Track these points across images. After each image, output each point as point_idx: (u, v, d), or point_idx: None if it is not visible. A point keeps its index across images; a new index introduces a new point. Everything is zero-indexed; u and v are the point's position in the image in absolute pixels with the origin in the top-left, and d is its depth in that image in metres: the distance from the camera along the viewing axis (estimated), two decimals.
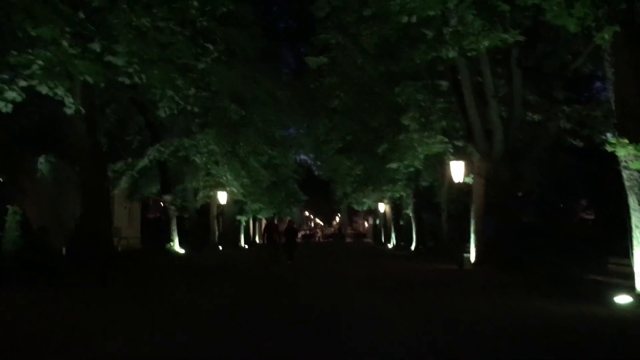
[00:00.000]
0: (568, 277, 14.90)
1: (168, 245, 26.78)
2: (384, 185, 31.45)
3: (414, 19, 10.09)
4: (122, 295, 11.33)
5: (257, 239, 50.37)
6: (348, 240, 68.75)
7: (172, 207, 27.60)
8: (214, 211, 35.50)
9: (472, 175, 21.60)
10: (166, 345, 7.01)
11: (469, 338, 7.53)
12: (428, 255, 28.56)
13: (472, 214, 21.61)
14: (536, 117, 18.15)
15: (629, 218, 10.45)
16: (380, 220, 52.36)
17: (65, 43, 11.23)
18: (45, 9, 9.82)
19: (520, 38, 9.76)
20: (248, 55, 26.31)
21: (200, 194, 32.79)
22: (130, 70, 11.98)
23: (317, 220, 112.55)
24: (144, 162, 24.42)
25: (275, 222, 33.32)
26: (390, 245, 43.82)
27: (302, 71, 36.89)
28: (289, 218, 45.01)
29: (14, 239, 12.91)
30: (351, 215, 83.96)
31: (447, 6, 9.88)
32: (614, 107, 10.60)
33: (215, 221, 36.27)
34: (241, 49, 24.78)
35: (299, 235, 53.02)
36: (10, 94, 11.58)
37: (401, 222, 41.12)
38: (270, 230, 23.12)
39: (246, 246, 42.00)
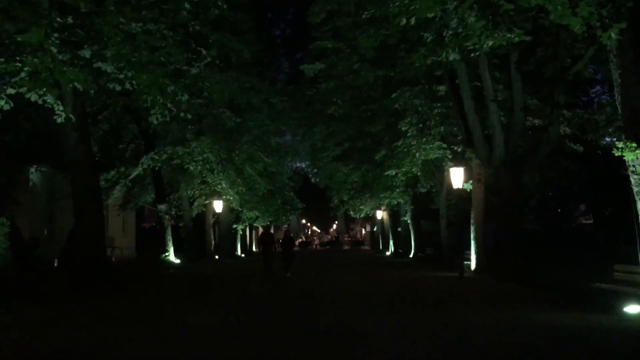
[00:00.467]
0: (573, 285, 14.55)
1: (163, 256, 26.33)
2: (382, 192, 31.09)
3: (412, 21, 9.77)
4: (114, 315, 10.88)
5: (253, 248, 49.89)
6: (345, 247, 68.38)
7: (167, 217, 27.17)
8: (210, 220, 35.05)
9: (471, 182, 21.31)
10: None
11: (480, 357, 7.14)
12: (427, 262, 28.21)
13: (472, 221, 21.29)
14: (537, 121, 17.85)
15: (637, 224, 10.11)
16: (377, 228, 52.00)
17: (54, 49, 10.91)
18: (31, 13, 9.45)
19: (526, 38, 9.45)
20: (243, 62, 26.03)
21: (196, 203, 32.38)
22: (121, 76, 11.65)
23: (314, 228, 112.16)
24: (137, 170, 24.03)
25: (272, 230, 32.92)
26: (388, 253, 43.46)
27: (298, 78, 36.69)
28: (285, 226, 44.66)
29: (2, 252, 12.47)
30: (348, 222, 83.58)
31: (446, 7, 9.57)
32: (620, 111, 10.28)
33: (211, 230, 35.83)
34: (236, 55, 24.48)
35: (296, 243, 52.49)
36: None
37: (399, 229, 40.77)
38: (265, 240, 22.34)
39: (243, 255, 41.54)
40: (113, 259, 24.64)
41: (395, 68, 20.44)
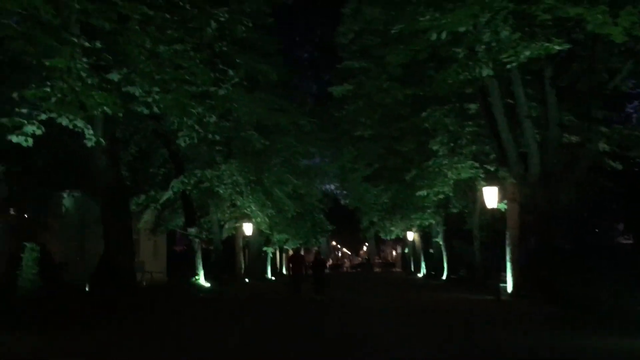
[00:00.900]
0: (618, 308, 13.85)
1: (193, 279, 26.19)
2: (413, 213, 30.61)
3: (443, 35, 9.50)
4: (145, 341, 10.68)
5: (283, 271, 49.59)
6: (376, 270, 67.57)
7: (197, 240, 27.09)
8: (240, 243, 34.94)
9: (505, 201, 20.74)
10: None
11: None
12: (461, 285, 27.48)
13: (508, 242, 20.63)
14: (573, 138, 17.30)
15: None
16: (409, 249, 51.24)
17: (83, 74, 10.94)
18: (53, 38, 9.48)
19: (566, 45, 9.05)
20: (270, 84, 26.04)
21: (226, 226, 32.31)
22: (148, 99, 11.62)
23: (344, 250, 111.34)
24: (167, 194, 24.05)
25: (302, 252, 32.60)
26: (420, 275, 42.69)
27: (326, 99, 36.68)
28: (315, 249, 44.30)
29: (31, 277, 12.45)
30: (379, 244, 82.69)
31: (479, 21, 9.27)
32: None
33: (241, 253, 35.69)
34: (263, 77, 24.50)
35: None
36: (30, 128, 11.29)
37: (431, 251, 40.07)
38: (296, 262, 21.60)
39: (273, 278, 41.26)
40: (144, 283, 24.60)
41: (425, 86, 20.24)
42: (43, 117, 11.66)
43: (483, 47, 9.93)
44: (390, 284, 33.49)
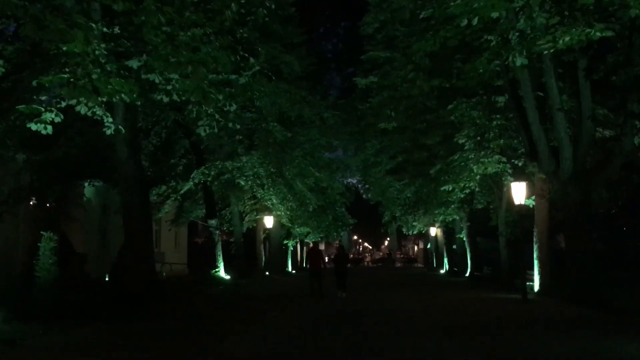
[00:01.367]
0: None
1: (213, 272, 26.04)
2: (436, 208, 29.99)
3: (475, 21, 9.00)
4: (160, 336, 10.44)
5: (304, 264, 49.36)
6: (398, 265, 67.00)
7: (217, 232, 26.93)
8: (261, 235, 34.76)
9: (533, 197, 20.12)
10: None
11: None
12: (485, 283, 26.85)
13: (535, 239, 20.04)
14: (607, 132, 16.62)
15: None
16: (431, 245, 50.60)
17: (101, 59, 10.68)
18: (65, 21, 9.19)
19: (609, 33, 8.48)
20: (294, 75, 25.69)
21: (247, 218, 32.14)
22: (168, 87, 11.32)
23: (365, 244, 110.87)
24: (188, 185, 23.90)
25: (322, 246, 32.25)
26: (442, 271, 42.11)
27: (349, 92, 36.25)
28: (336, 243, 43.93)
29: (48, 267, 12.28)
30: (400, 238, 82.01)
31: (513, 5, 8.74)
32: None
33: (262, 246, 35.51)
34: (287, 68, 24.15)
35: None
36: (49, 115, 11.08)
37: (454, 247, 39.42)
38: (314, 257, 20.33)
39: (294, 271, 41.04)
40: (164, 274, 24.48)
41: (451, 78, 19.67)
42: (62, 104, 11.47)
43: (517, 34, 9.42)
44: (413, 280, 32.97)
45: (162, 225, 30.73)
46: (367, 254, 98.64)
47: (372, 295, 20.72)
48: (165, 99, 11.58)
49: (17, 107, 10.43)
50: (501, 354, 8.92)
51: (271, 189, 25.79)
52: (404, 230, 42.63)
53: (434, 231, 44.11)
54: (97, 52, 10.57)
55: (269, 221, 30.69)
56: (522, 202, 18.71)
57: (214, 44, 8.93)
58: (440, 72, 17.37)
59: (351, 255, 76.32)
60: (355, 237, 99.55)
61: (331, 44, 42.88)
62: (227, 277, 26.55)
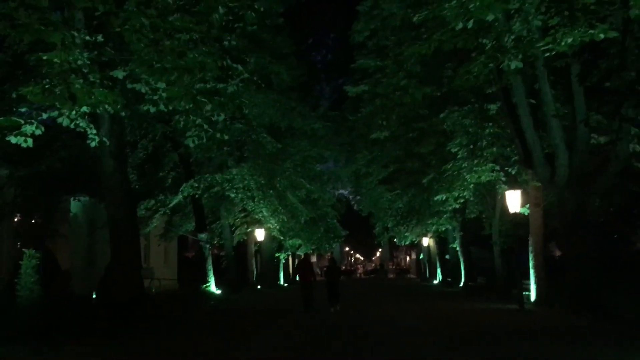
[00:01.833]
0: None
1: (204, 287, 25.54)
2: (429, 218, 29.69)
3: (470, 24, 8.74)
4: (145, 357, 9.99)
5: (297, 277, 48.84)
6: (391, 276, 66.53)
7: (207, 246, 26.47)
8: (252, 249, 34.31)
9: (527, 206, 19.86)
10: None
11: None
12: (479, 293, 26.49)
13: (531, 248, 19.76)
14: (602, 139, 16.40)
15: None
16: (424, 255, 50.27)
17: (84, 70, 10.33)
18: (38, 20, 8.82)
19: (614, 34, 8.21)
20: (284, 86, 25.41)
21: (237, 231, 31.70)
22: (155, 97, 10.97)
23: (357, 255, 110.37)
24: (177, 198, 23.48)
25: (313, 259, 31.81)
26: (435, 282, 41.74)
27: (340, 104, 36.06)
28: (328, 255, 43.52)
29: (30, 286, 11.82)
30: (392, 249, 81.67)
31: (509, 7, 8.48)
32: None
33: (253, 259, 35.04)
34: (276, 78, 23.86)
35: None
36: (29, 128, 10.69)
37: (447, 257, 39.11)
38: (303, 269, 19.44)
39: (286, 284, 40.53)
40: (153, 290, 23.95)
41: (443, 87, 19.47)
42: (43, 116, 11.11)
43: (512, 37, 9.17)
44: (407, 291, 32.58)
45: (151, 240, 30.21)
46: (359, 266, 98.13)
47: (366, 308, 20.25)
48: (152, 110, 11.21)
49: None
50: None
51: (262, 201, 25.40)
52: (396, 241, 42.31)
53: (426, 241, 43.78)
54: (79, 62, 10.22)
55: (260, 234, 30.27)
56: (518, 211, 18.47)
57: (200, 50, 8.58)
58: (432, 80, 17.12)
59: (343, 267, 75.85)
60: (347, 249, 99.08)
61: (320, 55, 42.77)
62: (218, 291, 26.06)
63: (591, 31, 7.84)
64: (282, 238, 32.19)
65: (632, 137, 15.45)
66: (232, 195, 24.13)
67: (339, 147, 35.99)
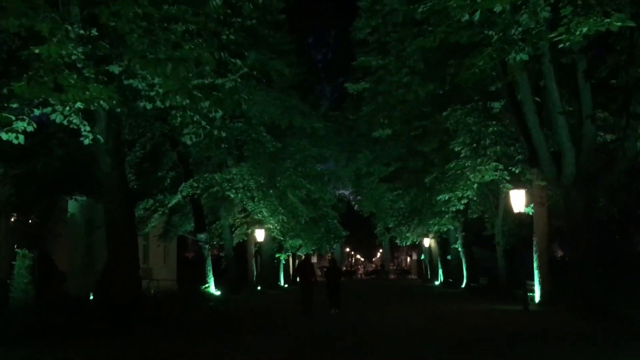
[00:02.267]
0: None
1: (203, 287, 25.23)
2: (430, 218, 29.38)
3: (476, 16, 8.43)
4: None
5: (297, 278, 48.49)
6: (392, 277, 66.26)
7: (207, 246, 26.15)
8: (252, 249, 33.98)
9: (532, 205, 19.55)
10: None
11: None
12: (482, 293, 26.20)
13: (535, 248, 19.46)
14: (608, 137, 16.09)
15: None
16: (425, 256, 49.95)
17: (79, 65, 10.04)
18: (47, 24, 8.53)
19: (631, 23, 7.88)
20: (284, 84, 25.10)
21: (237, 232, 31.39)
22: (152, 93, 10.68)
23: (358, 256, 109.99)
24: (176, 198, 23.16)
25: (314, 259, 31.45)
26: (437, 282, 41.44)
27: (340, 103, 35.81)
28: (329, 255, 43.19)
29: (23, 287, 11.52)
30: (393, 250, 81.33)
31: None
32: None
33: (253, 260, 34.72)
34: (276, 75, 23.53)
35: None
36: (20, 124, 10.38)
37: (449, 257, 38.79)
38: (304, 270, 18.78)
39: (286, 285, 40.20)
40: (151, 291, 23.64)
41: (445, 85, 19.14)
42: (36, 112, 10.81)
43: (520, 29, 8.86)
44: (408, 292, 32.23)
45: (150, 240, 29.91)
46: (359, 266, 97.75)
47: (366, 309, 19.90)
48: (149, 106, 10.93)
49: None
50: None
51: (261, 201, 25.08)
52: (398, 241, 42.04)
53: (427, 242, 43.46)
54: (73, 57, 9.93)
55: (260, 234, 29.94)
56: (522, 210, 18.16)
57: (196, 42, 8.26)
58: (435, 77, 16.79)
59: (344, 268, 75.42)
60: (348, 249, 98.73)
61: (321, 54, 42.45)
62: (218, 292, 25.74)
63: (607, 20, 7.51)
64: (282, 238, 31.89)
65: (638, 135, 15.13)
66: (232, 195, 23.81)
67: (340, 146, 35.71)
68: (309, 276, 18.21)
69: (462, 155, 20.15)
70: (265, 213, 25.78)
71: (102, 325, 12.88)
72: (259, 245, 33.70)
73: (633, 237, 44.25)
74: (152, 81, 9.51)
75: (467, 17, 8.57)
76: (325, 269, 20.89)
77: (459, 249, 33.12)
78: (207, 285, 25.54)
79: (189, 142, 11.52)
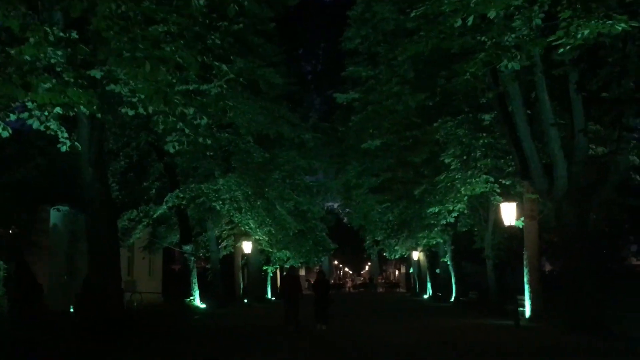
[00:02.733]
0: None
1: (188, 300, 24.71)
2: (420, 231, 29.09)
3: (470, 21, 8.19)
4: None
5: (282, 292, 47.85)
6: (380, 290, 65.87)
7: (192, 258, 25.67)
8: (239, 261, 33.49)
9: (522, 219, 19.32)
10: None
11: None
12: (471, 308, 25.90)
13: (525, 262, 19.21)
14: (600, 149, 15.93)
15: None
16: (414, 269, 49.63)
17: (58, 68, 9.67)
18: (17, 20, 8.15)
19: (635, 23, 7.64)
20: (274, 91, 24.79)
21: (224, 243, 30.94)
22: (134, 99, 10.31)
23: (346, 269, 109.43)
24: (161, 209, 22.69)
25: (299, 272, 30.79)
26: (425, 296, 41.09)
27: (330, 115, 35.64)
28: (317, 268, 42.75)
29: None
30: (381, 263, 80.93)
31: (513, 3, 7.91)
32: None
33: (240, 272, 34.21)
34: (265, 84, 23.23)
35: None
36: None
37: (437, 271, 38.51)
38: (288, 284, 17.95)
39: (273, 298, 39.66)
40: (135, 305, 23.06)
41: (435, 96, 18.97)
42: (12, 117, 10.39)
43: (513, 36, 8.64)
44: (397, 307, 31.82)
45: (135, 252, 29.34)
46: (348, 279, 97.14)
47: (354, 324, 19.42)
48: (131, 112, 10.54)
49: None
50: None
51: (249, 213, 24.66)
52: (386, 254, 41.70)
53: (416, 255, 43.15)
54: (52, 60, 9.56)
55: (247, 246, 29.50)
56: (513, 223, 17.91)
57: (178, 42, 7.91)
58: (426, 88, 16.58)
59: (332, 281, 74.80)
60: (336, 262, 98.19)
61: (310, 65, 42.26)
62: (203, 305, 25.24)
63: (609, 22, 7.26)
64: (270, 250, 31.44)
65: (631, 148, 14.97)
66: (218, 206, 23.41)
67: (329, 158, 35.51)
68: (294, 290, 17.41)
69: (452, 167, 19.92)
70: (252, 225, 25.35)
71: (80, 342, 12.38)
72: (246, 257, 33.24)
73: (621, 251, 44.25)
74: (134, 86, 9.13)
75: (459, 22, 8.33)
76: (313, 282, 20.13)
77: (448, 263, 32.86)
78: (192, 298, 25.04)
79: (171, 150, 11.14)
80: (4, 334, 10.96)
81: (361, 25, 19.84)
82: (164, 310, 22.67)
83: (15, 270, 12.70)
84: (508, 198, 18.57)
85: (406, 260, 52.52)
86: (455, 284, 32.05)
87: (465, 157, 19.74)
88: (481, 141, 19.55)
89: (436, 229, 28.03)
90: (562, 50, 7.89)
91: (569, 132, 15.05)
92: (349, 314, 24.15)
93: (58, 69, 9.71)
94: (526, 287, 18.92)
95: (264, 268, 36.72)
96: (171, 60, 7.88)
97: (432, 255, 38.64)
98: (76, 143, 10.36)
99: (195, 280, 25.42)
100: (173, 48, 7.79)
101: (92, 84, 10.28)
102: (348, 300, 40.38)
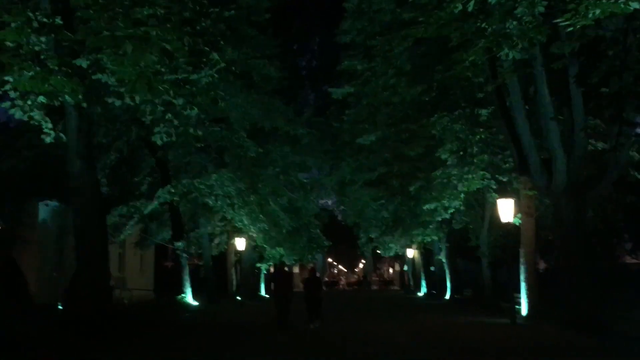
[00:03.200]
0: None
1: (179, 297, 24.35)
2: (414, 228, 28.80)
3: (470, 6, 7.87)
4: None
5: (272, 289, 47.53)
6: (374, 288, 65.69)
7: (184, 255, 25.30)
8: (232, 258, 33.13)
9: (519, 215, 19.05)
10: None
11: None
12: (467, 306, 25.64)
13: (522, 260, 18.92)
14: (599, 145, 15.65)
15: None
16: (408, 267, 49.41)
17: (42, 56, 9.32)
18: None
19: None
20: (269, 84, 24.42)
21: (217, 240, 30.58)
22: (121, 89, 9.95)
23: (340, 267, 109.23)
24: (152, 205, 22.29)
25: (294, 269, 30.47)
26: (420, 294, 40.86)
27: (324, 111, 35.28)
28: (311, 265, 42.40)
29: None
30: (375, 261, 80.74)
31: None
32: None
33: (233, 269, 33.87)
34: (258, 76, 22.83)
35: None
36: None
37: (432, 269, 38.29)
38: (278, 281, 17.12)
39: (267, 296, 39.35)
40: (125, 301, 22.71)
41: (432, 91, 18.67)
42: None
43: (514, 23, 8.33)
44: (392, 304, 31.47)
45: (126, 248, 28.98)
46: (342, 277, 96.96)
47: (348, 322, 19.01)
48: (117, 102, 10.20)
49: None
50: None
51: (242, 209, 24.28)
52: (381, 252, 41.46)
53: (411, 252, 42.92)
54: (36, 48, 9.21)
55: (240, 243, 29.15)
56: (510, 220, 17.64)
57: (164, 26, 7.55)
58: (422, 80, 16.25)
59: (326, 278, 74.54)
60: (330, 260, 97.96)
61: (305, 60, 41.86)
62: (195, 302, 24.89)
63: (622, 0, 6.93)
64: (264, 246, 31.08)
65: (632, 143, 14.70)
66: (211, 202, 23.02)
67: (323, 154, 35.14)
68: (285, 286, 16.61)
69: (448, 163, 19.63)
70: (245, 221, 24.97)
71: (66, 337, 12.02)
72: (239, 254, 32.90)
73: (615, 250, 44.11)
74: (117, 70, 8.76)
75: (460, 7, 8.02)
76: (304, 280, 19.52)
77: (443, 260, 32.65)
78: (183, 295, 24.68)
79: (159, 142, 10.79)
80: None
81: (357, 17, 19.50)
82: (154, 307, 22.31)
83: (1, 265, 12.30)
84: (505, 194, 18.29)
85: (400, 257, 52.33)
86: (450, 281, 31.83)
87: (461, 153, 19.45)
88: (478, 137, 19.25)
89: (431, 226, 27.78)
90: (570, 29, 7.54)
91: (568, 127, 14.78)
92: (342, 312, 23.81)
93: (42, 57, 9.37)
94: (522, 284, 18.63)
95: (257, 265, 36.40)
96: (156, 44, 7.50)
97: (427, 253, 38.42)
98: (61, 134, 10.04)
99: (187, 277, 25.06)
100: (159, 32, 7.42)
101: (79, 74, 9.93)
102: (342, 297, 40.11)
